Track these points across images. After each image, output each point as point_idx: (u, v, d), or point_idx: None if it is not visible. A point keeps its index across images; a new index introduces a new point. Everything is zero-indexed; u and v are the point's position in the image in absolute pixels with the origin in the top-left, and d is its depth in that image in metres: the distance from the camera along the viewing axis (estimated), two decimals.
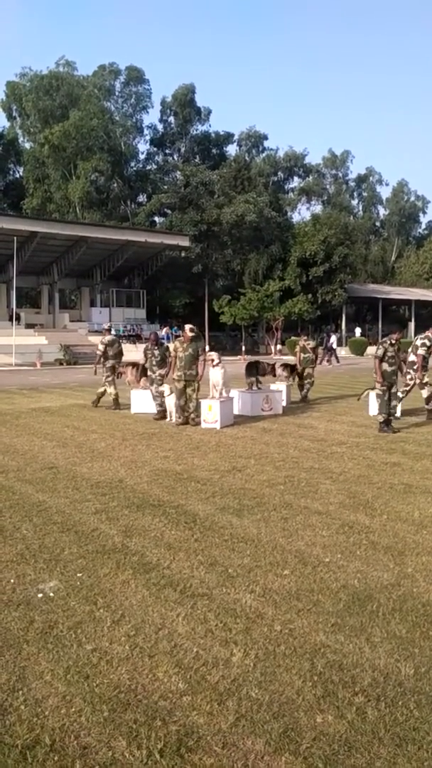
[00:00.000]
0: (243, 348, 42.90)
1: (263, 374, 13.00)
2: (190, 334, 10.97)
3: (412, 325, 60.49)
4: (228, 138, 62.60)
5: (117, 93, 56.97)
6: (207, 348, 11.27)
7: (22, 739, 2.54)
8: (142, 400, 12.21)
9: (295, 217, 63.51)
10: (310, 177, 70.22)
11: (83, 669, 3.04)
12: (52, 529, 5.13)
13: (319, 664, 3.07)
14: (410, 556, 4.53)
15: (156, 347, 11.79)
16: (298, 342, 15.24)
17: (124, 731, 2.58)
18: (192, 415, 10.68)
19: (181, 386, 10.62)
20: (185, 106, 57.92)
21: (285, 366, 14.42)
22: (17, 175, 58.47)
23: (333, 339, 34.80)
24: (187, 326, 11.29)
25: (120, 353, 13.25)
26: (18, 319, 37.16)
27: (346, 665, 3.06)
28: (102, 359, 13.14)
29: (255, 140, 64.42)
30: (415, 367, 11.43)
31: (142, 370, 12.61)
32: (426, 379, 11.37)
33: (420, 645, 3.26)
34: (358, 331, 51.74)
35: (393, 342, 9.90)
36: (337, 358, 33.62)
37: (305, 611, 3.64)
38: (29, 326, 38.81)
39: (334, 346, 34.38)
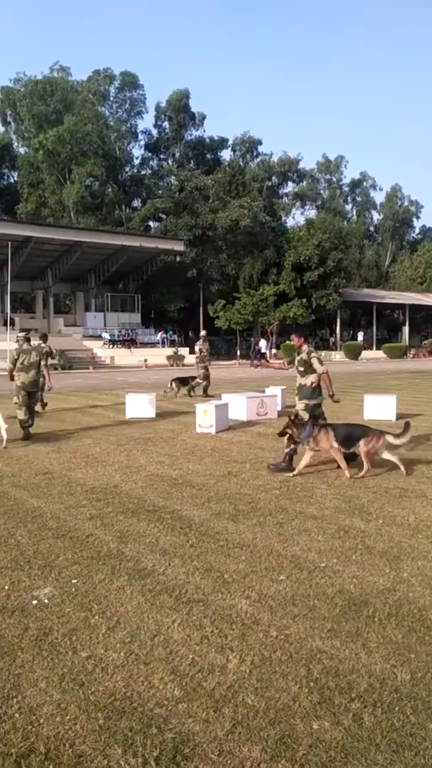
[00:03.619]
0: (238, 352, 42.98)
1: None
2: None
3: (406, 329, 60.68)
4: (222, 143, 62.86)
5: (111, 98, 57.18)
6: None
7: (17, 747, 2.52)
8: (136, 405, 12.19)
9: (290, 222, 63.99)
10: (304, 182, 70.60)
11: (78, 676, 3.01)
12: (47, 535, 5.11)
13: (315, 670, 3.06)
14: (406, 561, 4.53)
15: None
16: None
17: (120, 739, 2.56)
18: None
19: None
20: (179, 111, 58.15)
21: None
22: (11, 180, 58.58)
23: (262, 343, 35.75)
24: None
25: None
26: (12, 323, 37.12)
27: (342, 671, 3.05)
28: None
29: (249, 145, 64.72)
30: None
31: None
32: None
33: (416, 650, 3.25)
34: (360, 335, 52.07)
35: None
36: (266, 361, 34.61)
37: (301, 617, 3.62)
38: (23, 331, 38.67)
39: (263, 350, 35.35)
